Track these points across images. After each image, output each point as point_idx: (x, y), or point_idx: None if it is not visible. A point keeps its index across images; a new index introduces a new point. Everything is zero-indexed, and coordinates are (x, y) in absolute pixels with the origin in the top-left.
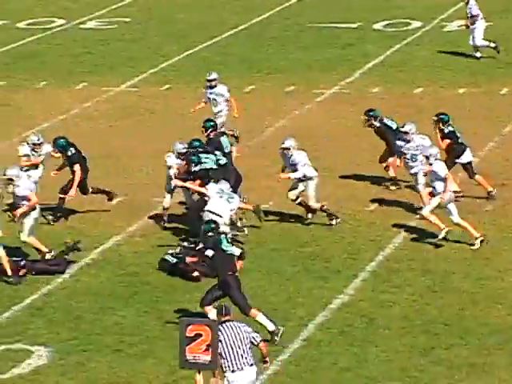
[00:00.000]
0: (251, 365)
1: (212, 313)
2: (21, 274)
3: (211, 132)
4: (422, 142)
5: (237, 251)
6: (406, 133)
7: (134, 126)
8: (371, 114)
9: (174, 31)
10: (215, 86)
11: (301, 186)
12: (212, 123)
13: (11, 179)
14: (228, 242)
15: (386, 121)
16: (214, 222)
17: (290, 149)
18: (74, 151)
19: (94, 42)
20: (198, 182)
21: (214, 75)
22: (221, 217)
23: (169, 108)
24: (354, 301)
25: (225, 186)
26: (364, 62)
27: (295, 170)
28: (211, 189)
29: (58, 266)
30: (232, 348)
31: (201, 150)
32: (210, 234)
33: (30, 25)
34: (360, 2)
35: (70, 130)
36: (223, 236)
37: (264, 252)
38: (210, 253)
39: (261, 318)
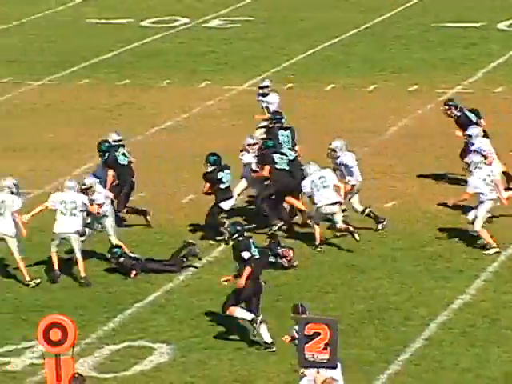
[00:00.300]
0: None
1: (238, 311)
2: (132, 275)
3: (274, 124)
4: (480, 145)
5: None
6: (469, 136)
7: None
8: (451, 103)
9: (296, 30)
10: (267, 93)
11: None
12: (277, 116)
13: (90, 187)
14: (255, 247)
15: (466, 111)
16: (240, 225)
17: (336, 150)
18: (106, 157)
19: (217, 40)
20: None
21: (266, 83)
22: (336, 203)
23: (291, 107)
24: (476, 301)
25: (313, 169)
26: (487, 62)
27: (345, 171)
28: (306, 186)
29: (172, 267)
30: None
31: (274, 150)
32: (236, 236)
33: (154, 23)
34: (483, 1)
35: (193, 129)
36: (251, 241)
37: (386, 252)
38: (246, 255)
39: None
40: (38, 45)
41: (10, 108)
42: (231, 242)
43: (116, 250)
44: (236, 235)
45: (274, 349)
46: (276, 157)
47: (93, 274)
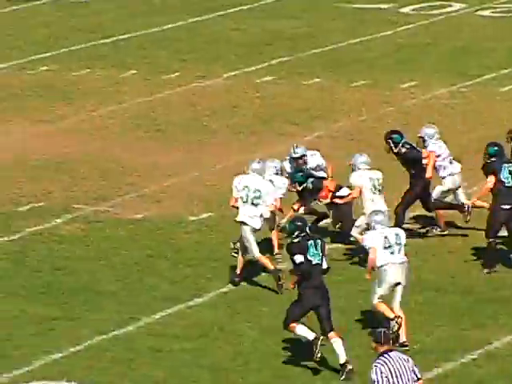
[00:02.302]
0: None
1: (298, 329)
2: None
3: None
4: None
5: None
6: None
7: None
8: None
9: None
10: None
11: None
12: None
13: None
14: (316, 250)
15: None
16: (301, 220)
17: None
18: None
19: None
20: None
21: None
22: None
23: None
24: None
25: None
26: None
27: None
28: None
29: None
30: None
31: None
32: (294, 235)
33: None
34: None
35: None
36: (311, 242)
37: None
38: (299, 259)
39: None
40: None
41: None
42: None
43: None
44: (294, 234)
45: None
46: None
47: None
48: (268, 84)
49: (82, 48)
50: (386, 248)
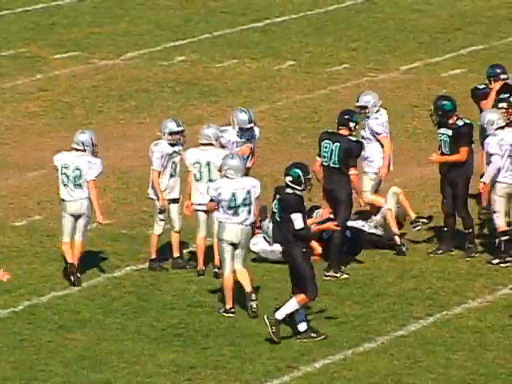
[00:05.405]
0: None
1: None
2: None
3: None
4: None
5: None
6: None
7: None
8: None
9: None
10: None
11: None
12: None
13: None
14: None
15: None
16: (297, 167)
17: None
18: None
19: None
20: None
21: None
22: None
23: None
24: None
25: None
26: None
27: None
28: None
29: None
30: None
31: None
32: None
33: None
34: None
35: None
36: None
37: None
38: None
39: None
40: None
41: None
42: None
43: None
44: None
45: None
46: None
47: None
48: (457, 79)
49: (226, 34)
50: (230, 208)
